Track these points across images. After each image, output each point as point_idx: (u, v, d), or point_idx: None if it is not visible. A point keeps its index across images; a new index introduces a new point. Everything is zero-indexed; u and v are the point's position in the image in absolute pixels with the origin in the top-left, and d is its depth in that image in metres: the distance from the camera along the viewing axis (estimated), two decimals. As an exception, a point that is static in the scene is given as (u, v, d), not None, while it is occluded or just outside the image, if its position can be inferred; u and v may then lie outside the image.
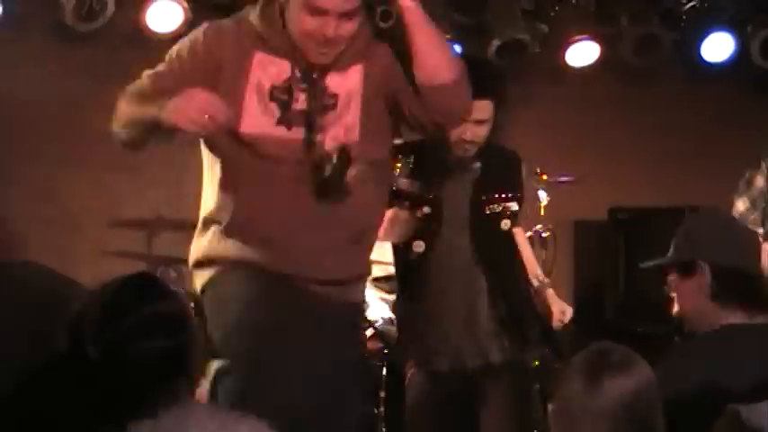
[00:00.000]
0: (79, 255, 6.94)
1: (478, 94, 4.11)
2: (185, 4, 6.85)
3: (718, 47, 7.87)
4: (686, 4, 7.88)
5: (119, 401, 2.21)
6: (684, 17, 7.90)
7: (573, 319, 5.52)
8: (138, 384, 2.24)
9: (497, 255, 4.63)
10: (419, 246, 4.59)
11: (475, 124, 4.42)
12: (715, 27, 7.84)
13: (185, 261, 3.96)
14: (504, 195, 4.63)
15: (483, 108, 4.41)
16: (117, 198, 7.20)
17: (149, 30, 6.93)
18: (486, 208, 4.59)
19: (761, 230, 4.96)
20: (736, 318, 3.10)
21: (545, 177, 6.75)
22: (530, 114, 8.05)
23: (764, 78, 8.17)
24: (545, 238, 6.62)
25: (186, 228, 7.08)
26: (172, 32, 6.89)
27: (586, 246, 8.05)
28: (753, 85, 8.31)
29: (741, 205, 5.25)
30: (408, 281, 4.72)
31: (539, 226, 6.65)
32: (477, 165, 4.62)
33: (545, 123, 8.06)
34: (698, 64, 7.95)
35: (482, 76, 4.22)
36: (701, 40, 7.87)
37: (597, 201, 7.82)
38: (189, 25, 6.86)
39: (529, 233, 6.70)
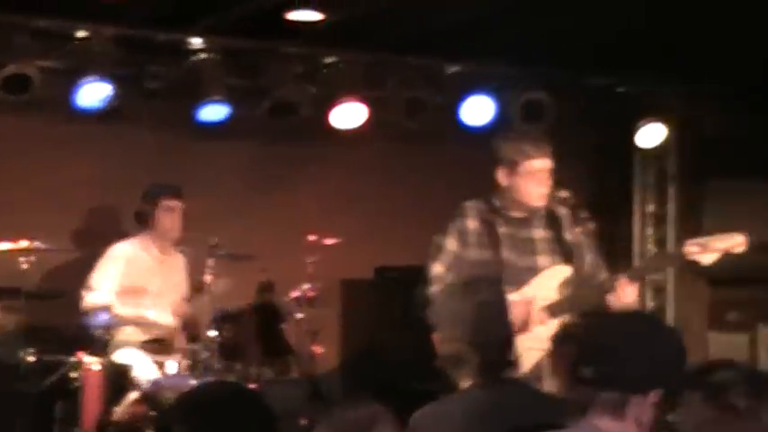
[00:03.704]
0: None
1: None
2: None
3: (479, 110, 8.08)
4: (450, 68, 8.14)
5: None
6: (449, 81, 8.16)
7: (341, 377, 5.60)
8: None
9: None
10: None
11: None
12: (477, 91, 8.08)
13: None
14: None
15: None
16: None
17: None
18: None
19: None
20: None
21: (311, 238, 6.88)
22: (299, 176, 8.17)
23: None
24: (312, 297, 6.72)
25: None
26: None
27: (355, 304, 8.17)
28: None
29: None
30: None
31: (306, 285, 6.75)
32: None
33: (314, 185, 8.18)
34: (462, 127, 8.13)
35: None
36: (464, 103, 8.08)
37: (365, 260, 7.96)
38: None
39: (296, 293, 6.82)
